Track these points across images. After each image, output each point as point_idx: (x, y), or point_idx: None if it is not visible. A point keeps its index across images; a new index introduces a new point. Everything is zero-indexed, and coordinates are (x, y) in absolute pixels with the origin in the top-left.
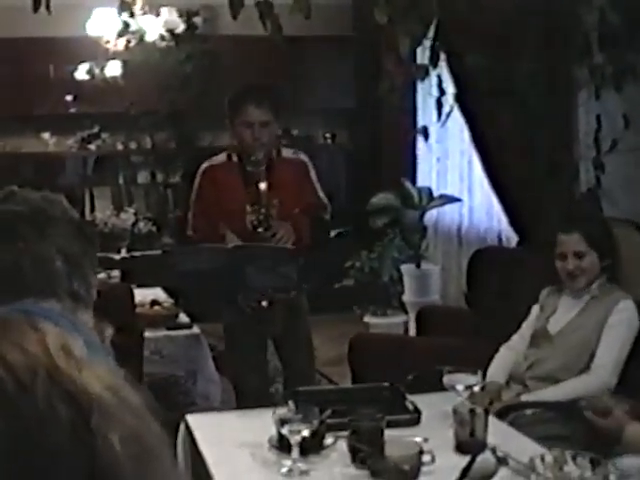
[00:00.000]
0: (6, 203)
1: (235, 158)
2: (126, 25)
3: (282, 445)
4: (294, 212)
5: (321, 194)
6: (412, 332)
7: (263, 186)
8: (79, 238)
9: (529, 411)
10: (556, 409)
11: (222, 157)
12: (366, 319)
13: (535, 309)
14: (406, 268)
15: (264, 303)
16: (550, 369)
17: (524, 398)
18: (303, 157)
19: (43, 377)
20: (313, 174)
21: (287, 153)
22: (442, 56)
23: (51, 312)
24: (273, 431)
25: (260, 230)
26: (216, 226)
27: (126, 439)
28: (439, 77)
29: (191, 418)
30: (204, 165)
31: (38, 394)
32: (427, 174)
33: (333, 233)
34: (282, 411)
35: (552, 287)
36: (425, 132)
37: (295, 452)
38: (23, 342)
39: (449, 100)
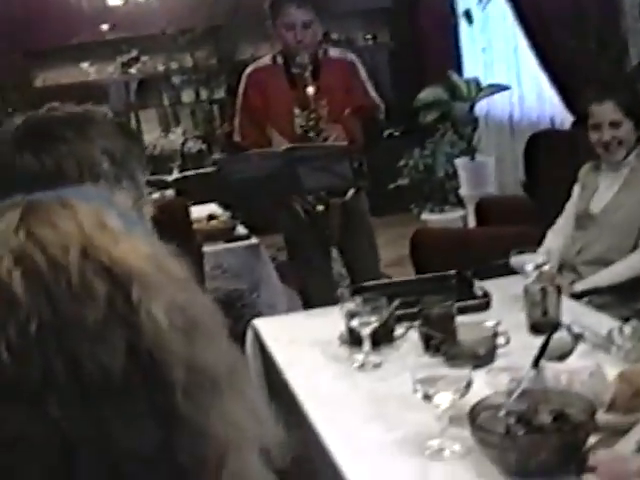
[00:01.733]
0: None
1: (280, 60)
2: None
3: (353, 339)
4: (345, 114)
5: (373, 93)
6: (471, 226)
7: (311, 90)
8: (122, 137)
9: (585, 299)
10: (612, 292)
11: (267, 59)
12: (424, 217)
13: (576, 189)
14: (460, 162)
15: (320, 208)
16: (599, 252)
17: (578, 287)
18: (351, 56)
19: (76, 253)
20: (363, 73)
21: (334, 53)
22: None
23: (85, 192)
24: (342, 327)
25: (311, 135)
26: (264, 130)
27: (171, 311)
28: None
29: (258, 322)
30: (249, 69)
31: (71, 270)
32: (473, 66)
33: (385, 134)
34: (350, 305)
35: (590, 164)
36: (468, 15)
37: (366, 345)
38: (54, 220)
39: None
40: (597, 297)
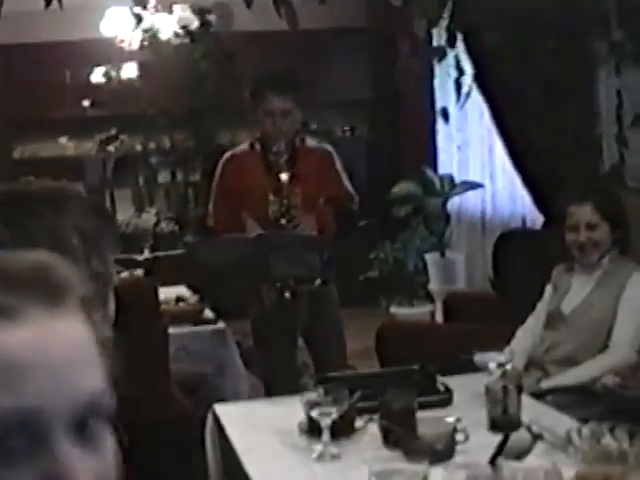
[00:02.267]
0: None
1: (258, 147)
2: (139, 19)
3: (312, 430)
4: (318, 203)
5: (347, 184)
6: (439, 321)
7: (284, 177)
8: (95, 215)
9: (549, 397)
10: (578, 392)
11: (245, 146)
12: (392, 310)
13: (548, 289)
14: (430, 257)
15: (287, 295)
16: (568, 351)
17: (544, 384)
18: (328, 147)
19: None
20: (338, 164)
21: (311, 143)
22: (459, 36)
23: None
24: (302, 417)
25: (283, 222)
26: (238, 216)
27: None
28: (457, 57)
29: (219, 407)
30: (226, 154)
31: None
32: (448, 163)
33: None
34: (311, 395)
35: (564, 264)
36: (445, 114)
37: (326, 436)
38: None
39: (467, 80)
40: (562, 396)
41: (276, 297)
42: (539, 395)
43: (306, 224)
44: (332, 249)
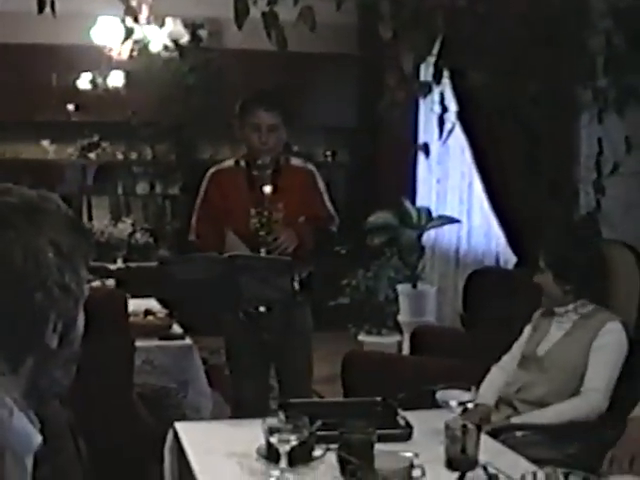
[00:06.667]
0: (0, 197)
1: (243, 163)
2: (130, 30)
3: (270, 455)
4: (299, 220)
5: (328, 205)
6: (406, 352)
7: (268, 189)
8: (72, 231)
9: (519, 433)
10: (546, 432)
11: (230, 162)
12: (360, 338)
13: (527, 330)
14: (402, 288)
15: (262, 308)
16: (540, 393)
17: (514, 420)
18: (311, 167)
19: None
20: (321, 184)
21: (296, 162)
22: (445, 73)
23: None
24: (262, 441)
25: (262, 233)
26: (220, 232)
27: None
28: (442, 94)
29: (180, 426)
30: (212, 170)
31: None
32: (427, 195)
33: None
34: (272, 420)
35: (545, 309)
36: (426, 149)
37: (283, 462)
38: None
39: (451, 117)
40: (532, 434)
41: (251, 311)
42: (506, 429)
43: (286, 237)
44: (309, 267)
